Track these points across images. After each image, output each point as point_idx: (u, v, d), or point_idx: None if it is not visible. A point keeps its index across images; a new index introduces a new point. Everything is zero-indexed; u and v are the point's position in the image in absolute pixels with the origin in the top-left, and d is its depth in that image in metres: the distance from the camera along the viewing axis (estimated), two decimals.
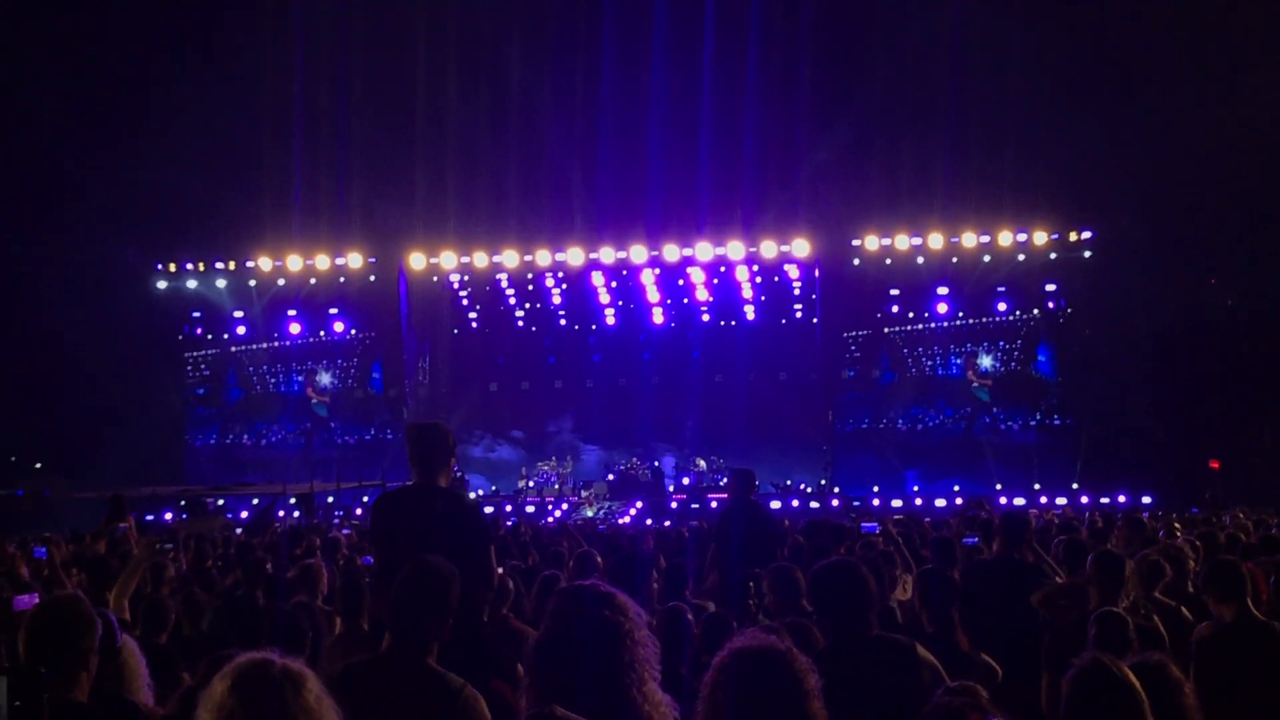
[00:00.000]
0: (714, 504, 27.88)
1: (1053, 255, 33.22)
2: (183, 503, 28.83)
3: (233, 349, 36.28)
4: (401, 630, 4.58)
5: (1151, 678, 4.05)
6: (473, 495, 30.38)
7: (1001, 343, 34.45)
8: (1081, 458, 32.79)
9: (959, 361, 34.75)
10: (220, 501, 30.27)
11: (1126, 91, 30.44)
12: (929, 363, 34.87)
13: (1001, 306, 33.99)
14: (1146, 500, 28.82)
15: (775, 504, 29.28)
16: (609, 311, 36.31)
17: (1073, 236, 32.92)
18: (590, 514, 29.66)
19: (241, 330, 35.85)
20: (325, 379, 36.49)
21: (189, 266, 34.89)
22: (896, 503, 30.56)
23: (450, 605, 4.65)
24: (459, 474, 31.78)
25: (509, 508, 30.02)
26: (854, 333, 35.06)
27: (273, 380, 36.52)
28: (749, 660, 3.35)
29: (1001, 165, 31.12)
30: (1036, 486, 31.68)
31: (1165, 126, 27.69)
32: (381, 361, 36.02)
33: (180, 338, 35.93)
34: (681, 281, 34.87)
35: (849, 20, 32.61)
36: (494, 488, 34.24)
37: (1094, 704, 3.87)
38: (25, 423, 32.04)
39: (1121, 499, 29.20)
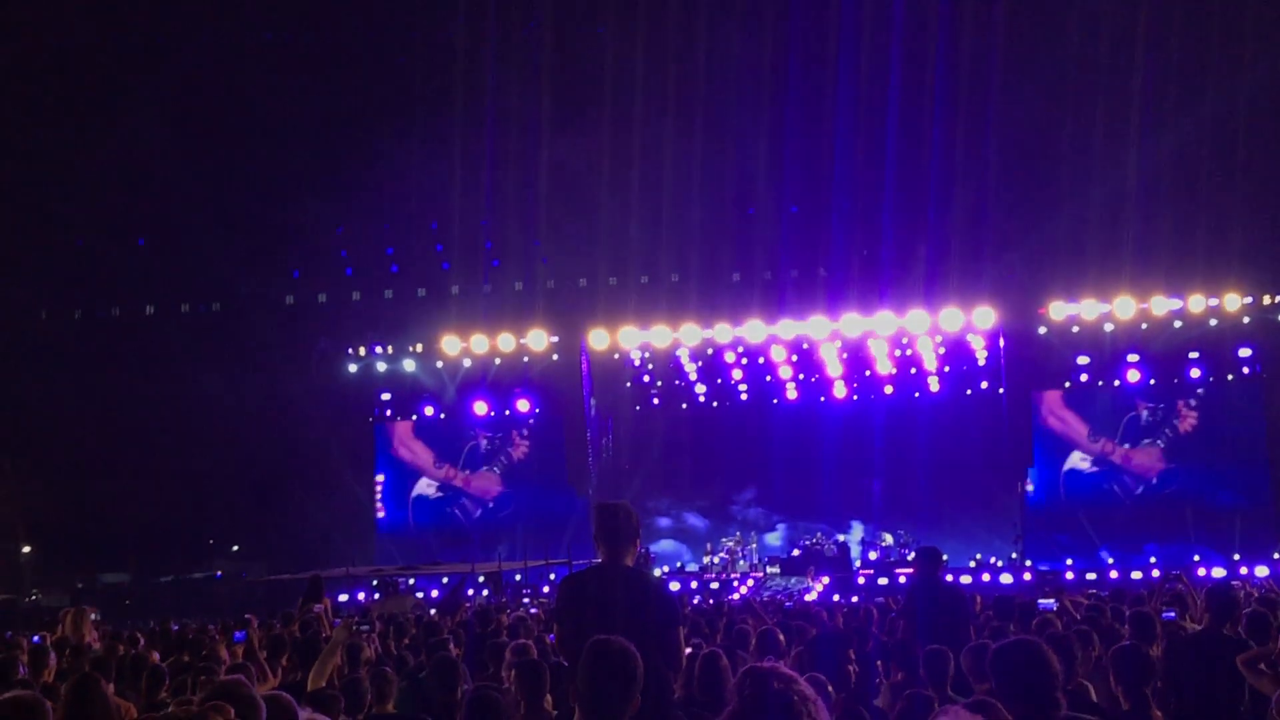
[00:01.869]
0: (901, 579, 27.41)
1: (1246, 319, 32.12)
2: (375, 583, 29.45)
3: (421, 430, 36.98)
4: (590, 711, 4.59)
5: None
6: (657, 572, 30.44)
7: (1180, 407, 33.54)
8: None
9: (1149, 426, 33.80)
10: (411, 581, 30.83)
11: None
12: (1121, 429, 33.93)
13: (1195, 373, 32.94)
14: None
15: (965, 579, 28.71)
16: (790, 386, 36.16)
17: (1266, 300, 31.84)
18: (808, 584, 29.43)
19: (429, 411, 36.55)
20: (512, 455, 36.97)
21: (378, 350, 35.77)
22: (1091, 575, 29.68)
23: (637, 683, 4.64)
24: (644, 550, 31.93)
25: (694, 584, 29.99)
26: (1042, 401, 34.34)
27: (462, 458, 37.10)
28: None
29: (1191, 228, 30.42)
30: (1236, 557, 30.47)
31: None
32: (565, 439, 36.36)
33: (370, 420, 36.76)
34: (863, 354, 34.56)
35: (1033, 85, 32.32)
36: (679, 564, 34.27)
37: None
38: (223, 506, 33.17)
39: None
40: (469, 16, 31.58)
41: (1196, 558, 30.30)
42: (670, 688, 6.43)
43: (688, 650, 7.78)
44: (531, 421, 36.74)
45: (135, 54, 31.27)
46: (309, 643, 9.85)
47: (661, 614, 6.48)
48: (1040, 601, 11.44)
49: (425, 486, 37.08)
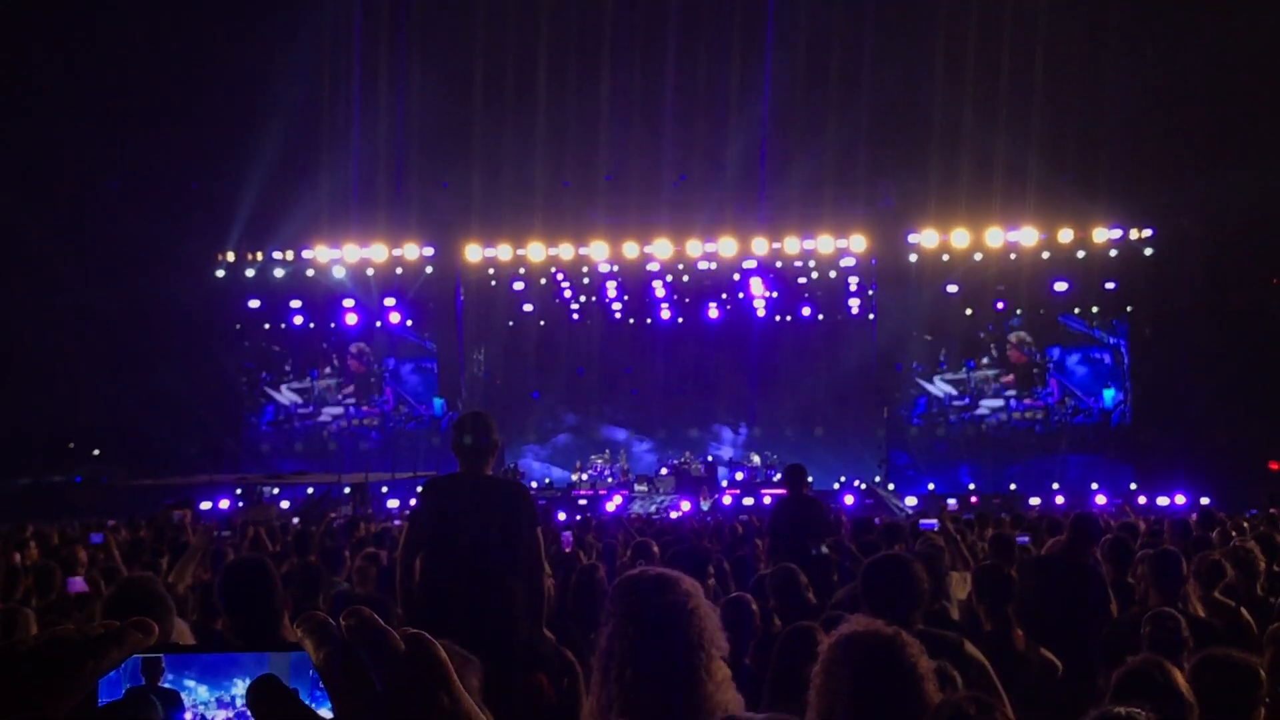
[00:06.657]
0: (766, 499, 27.73)
1: (1113, 253, 32.82)
2: (239, 491, 29.06)
3: (289, 338, 36.38)
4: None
5: (1223, 671, 3.91)
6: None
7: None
8: (1141, 458, 32.44)
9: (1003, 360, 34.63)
10: (275, 490, 30.47)
11: (1188, 89, 30.09)
12: (987, 359, 34.62)
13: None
14: (1205, 502, 28.41)
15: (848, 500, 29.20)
16: (664, 306, 36.19)
17: (1134, 234, 32.55)
18: (675, 502, 29.69)
19: (299, 320, 35.95)
20: (378, 368, 36.61)
21: (248, 256, 35.04)
22: (951, 501, 30.31)
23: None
24: (512, 466, 31.98)
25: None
26: (912, 329, 34.83)
27: (329, 369, 36.59)
28: (860, 645, 3.36)
29: (1061, 161, 30.85)
30: (1094, 486, 31.33)
31: (1234, 124, 27.39)
32: (438, 352, 36.07)
33: (238, 326, 36.05)
34: (738, 276, 34.67)
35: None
36: (548, 480, 34.34)
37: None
38: (84, 410, 32.38)
39: (1180, 499, 28.83)
40: None
41: (1056, 485, 31.22)
42: (518, 597, 6.45)
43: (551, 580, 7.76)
44: (403, 334, 36.39)
45: None
46: (169, 548, 9.69)
47: (526, 516, 6.62)
48: (923, 521, 11.67)
49: (288, 395, 36.62)
